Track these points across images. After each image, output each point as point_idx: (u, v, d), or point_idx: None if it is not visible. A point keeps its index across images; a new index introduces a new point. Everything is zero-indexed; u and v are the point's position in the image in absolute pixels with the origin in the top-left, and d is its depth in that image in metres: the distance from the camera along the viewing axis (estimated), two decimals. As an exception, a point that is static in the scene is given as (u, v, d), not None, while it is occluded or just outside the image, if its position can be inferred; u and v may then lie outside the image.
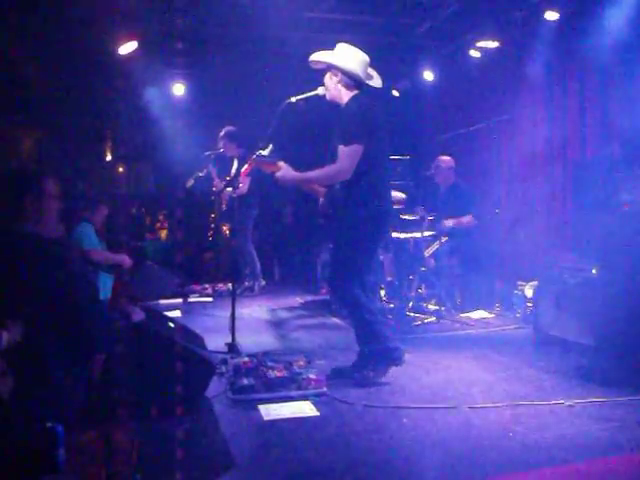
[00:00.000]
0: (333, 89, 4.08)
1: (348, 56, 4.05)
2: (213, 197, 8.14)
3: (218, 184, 7.58)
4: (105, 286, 5.09)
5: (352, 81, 4.05)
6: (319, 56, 4.11)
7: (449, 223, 6.57)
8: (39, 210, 2.63)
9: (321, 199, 4.28)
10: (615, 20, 5.46)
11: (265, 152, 4.12)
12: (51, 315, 2.51)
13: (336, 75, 4.04)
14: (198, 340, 4.06)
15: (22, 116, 8.18)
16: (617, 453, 2.88)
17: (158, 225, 10.68)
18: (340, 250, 4.11)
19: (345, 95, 4.05)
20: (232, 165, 7.49)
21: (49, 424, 2.29)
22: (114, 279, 5.26)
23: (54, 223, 2.71)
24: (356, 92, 4.06)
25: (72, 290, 2.57)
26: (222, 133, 7.51)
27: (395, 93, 9.19)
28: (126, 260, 5.25)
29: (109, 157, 10.87)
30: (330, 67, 4.06)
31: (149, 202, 10.71)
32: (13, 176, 2.78)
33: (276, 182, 4.09)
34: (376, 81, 4.20)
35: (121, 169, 11.22)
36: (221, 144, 7.49)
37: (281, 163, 4.05)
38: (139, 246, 9.15)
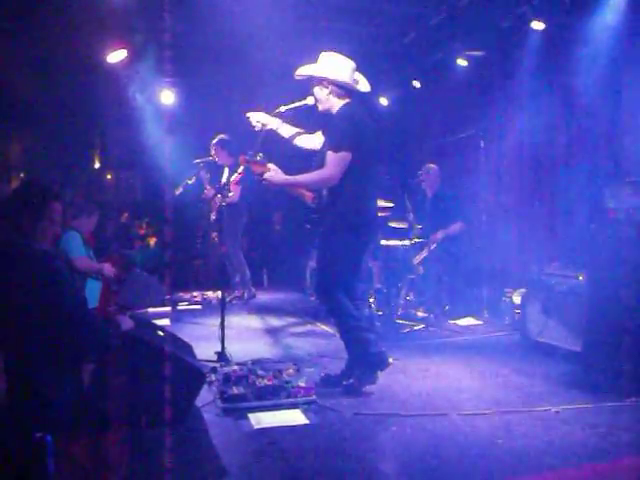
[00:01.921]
0: (325, 101, 4.09)
1: (336, 66, 4.07)
2: (201, 204, 8.13)
3: (209, 191, 7.58)
4: (93, 295, 5.07)
5: (343, 90, 4.08)
6: (307, 70, 4.11)
7: (439, 236, 6.60)
8: (37, 230, 2.65)
9: (308, 200, 4.28)
10: (600, 30, 5.53)
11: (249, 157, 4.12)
12: (40, 325, 2.51)
13: (327, 87, 4.06)
14: (187, 349, 4.05)
15: (10, 123, 8.15)
16: (604, 459, 2.91)
17: (146, 233, 10.64)
18: (325, 257, 4.13)
19: (336, 104, 4.08)
20: (222, 173, 7.49)
21: (38, 434, 2.29)
22: (102, 287, 5.24)
23: (46, 241, 2.73)
24: (347, 100, 4.09)
25: (61, 300, 2.57)
26: (214, 140, 7.51)
27: (383, 101, 9.24)
28: (107, 268, 5.23)
29: (97, 165, 10.84)
30: (320, 79, 4.08)
31: (138, 210, 10.68)
32: (21, 190, 2.81)
33: (264, 184, 4.09)
34: (363, 85, 4.22)
35: (109, 177, 11.18)
36: (212, 151, 7.49)
37: (270, 165, 4.06)
38: (127, 254, 9.11)
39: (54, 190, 2.85)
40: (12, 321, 2.48)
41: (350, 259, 4.08)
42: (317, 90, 4.11)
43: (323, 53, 4.13)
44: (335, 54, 4.12)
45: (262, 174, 4.04)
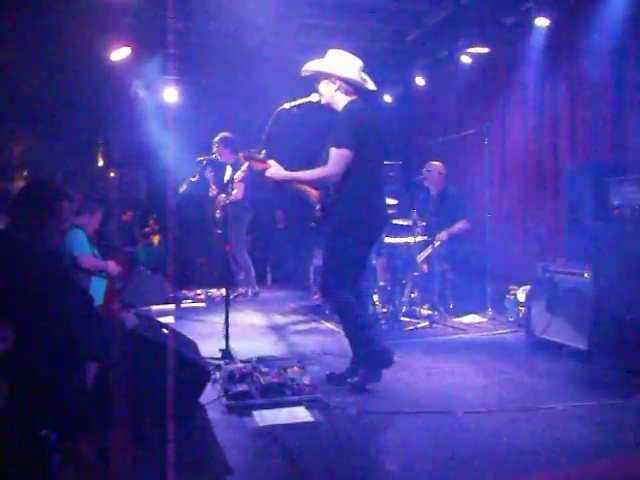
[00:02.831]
0: (331, 97, 4.08)
1: (345, 62, 4.06)
2: (206, 202, 8.14)
3: (214, 190, 7.59)
4: (98, 292, 5.07)
5: (350, 87, 4.06)
6: (316, 65, 4.09)
7: (443, 236, 6.58)
8: (45, 228, 2.67)
9: (316, 205, 4.26)
10: (605, 27, 5.51)
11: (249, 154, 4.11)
12: (45, 324, 2.51)
13: (334, 83, 4.05)
14: (192, 346, 4.05)
15: (13, 121, 8.15)
16: (610, 457, 2.89)
17: (150, 230, 10.64)
18: (332, 255, 4.11)
19: (342, 101, 4.06)
20: (225, 171, 7.50)
21: (42, 432, 2.28)
22: (106, 285, 5.25)
23: (54, 240, 2.74)
24: (353, 97, 4.07)
25: (66, 299, 2.57)
26: (217, 138, 7.51)
27: (387, 98, 9.23)
28: (111, 266, 5.24)
29: (101, 163, 10.84)
30: (328, 75, 4.06)
31: (141, 208, 10.68)
32: (31, 189, 2.82)
33: (266, 181, 4.09)
34: (369, 84, 4.21)
35: (113, 174, 11.18)
36: (215, 149, 7.49)
37: (272, 161, 4.05)
38: (131, 252, 9.12)
39: (62, 189, 2.86)
40: (17, 319, 2.48)
41: (356, 256, 4.07)
42: (324, 85, 4.09)
43: (331, 50, 4.12)
44: (342, 52, 4.11)
45: (263, 171, 4.03)
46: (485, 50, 7.25)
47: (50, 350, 2.52)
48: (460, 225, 6.68)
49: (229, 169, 7.41)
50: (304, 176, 4.06)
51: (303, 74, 4.17)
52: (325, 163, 4.00)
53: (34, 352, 2.49)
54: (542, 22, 6.25)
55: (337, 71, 4.03)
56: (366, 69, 4.19)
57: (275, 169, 4.03)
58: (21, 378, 2.45)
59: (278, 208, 10.38)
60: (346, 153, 3.88)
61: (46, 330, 2.51)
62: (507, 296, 6.22)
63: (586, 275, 4.62)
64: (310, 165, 4.13)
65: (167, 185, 8.34)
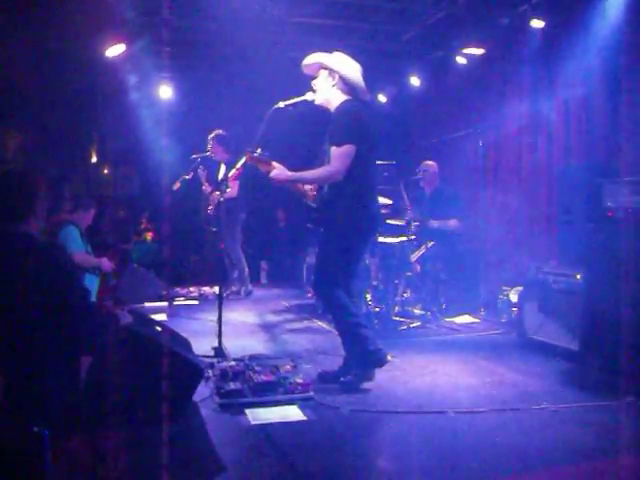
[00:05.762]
0: (326, 92, 4.06)
1: (348, 63, 4.07)
2: (200, 199, 8.13)
3: (207, 187, 7.58)
4: (91, 290, 5.07)
5: (347, 87, 4.06)
6: (320, 57, 4.09)
7: (435, 224, 6.61)
8: (30, 210, 2.65)
9: (312, 206, 4.25)
10: (600, 29, 5.54)
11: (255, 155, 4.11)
12: (41, 317, 2.50)
13: (333, 78, 4.04)
14: (185, 344, 4.04)
15: (7, 117, 8.11)
16: (601, 457, 2.91)
17: (143, 227, 10.62)
18: (326, 254, 4.11)
19: (337, 98, 4.05)
20: (219, 169, 7.49)
21: (35, 428, 2.28)
22: (100, 282, 5.25)
23: (41, 221, 2.73)
24: (349, 97, 4.07)
25: (63, 293, 2.56)
26: (211, 135, 7.51)
27: (382, 98, 9.24)
28: (105, 263, 5.24)
29: (94, 159, 10.80)
30: (329, 69, 4.07)
31: (135, 205, 10.66)
32: (7, 176, 2.80)
33: (269, 182, 4.07)
34: (364, 94, 4.21)
35: (106, 171, 11.15)
36: (209, 146, 7.48)
37: (275, 163, 4.03)
38: (124, 249, 9.09)
39: (37, 177, 2.85)
40: (15, 314, 2.47)
41: (349, 256, 4.07)
42: (322, 78, 4.07)
43: (336, 52, 4.13)
44: (346, 56, 4.11)
45: (268, 172, 4.01)
46: (480, 51, 7.28)
47: (45, 345, 2.52)
48: (452, 222, 6.69)
49: (223, 167, 7.41)
50: (308, 176, 4.03)
51: (304, 67, 4.16)
52: (324, 163, 3.99)
53: (29, 347, 2.48)
54: (537, 24, 6.28)
55: (339, 67, 4.03)
56: (362, 68, 4.19)
57: (279, 170, 4.00)
58: (14, 373, 2.45)
59: (273, 207, 10.37)
60: (349, 149, 3.87)
61: (42, 324, 2.50)
62: (500, 297, 6.25)
63: (578, 277, 4.64)
64: (305, 164, 4.12)
65: (160, 183, 8.32)
